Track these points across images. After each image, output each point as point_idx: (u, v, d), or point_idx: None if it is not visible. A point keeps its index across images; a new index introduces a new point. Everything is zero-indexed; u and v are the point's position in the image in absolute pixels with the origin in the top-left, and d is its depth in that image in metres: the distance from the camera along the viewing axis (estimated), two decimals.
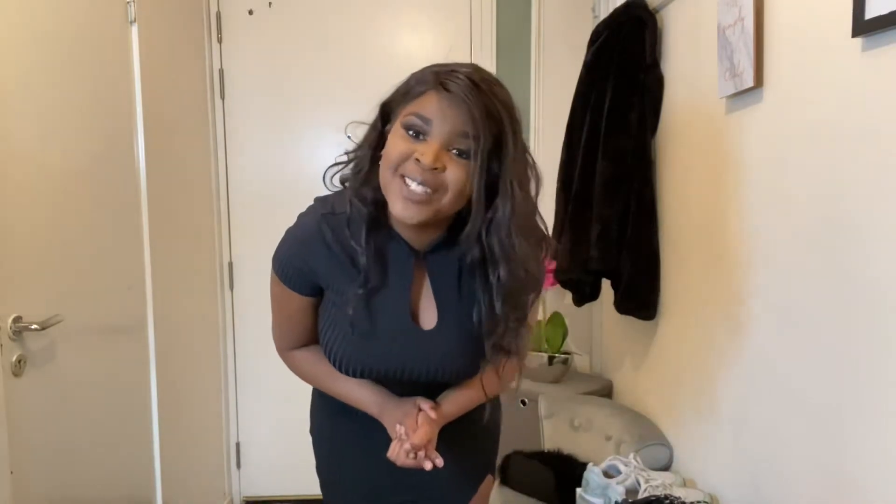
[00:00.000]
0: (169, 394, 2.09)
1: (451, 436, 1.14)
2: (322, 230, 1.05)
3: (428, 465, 1.05)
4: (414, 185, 0.95)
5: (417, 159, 0.94)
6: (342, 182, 1.09)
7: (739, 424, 1.52)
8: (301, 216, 1.10)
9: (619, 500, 1.58)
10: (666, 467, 1.83)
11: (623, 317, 2.06)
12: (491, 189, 0.97)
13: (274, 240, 1.12)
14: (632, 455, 1.69)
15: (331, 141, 2.52)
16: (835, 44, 1.12)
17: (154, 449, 2.02)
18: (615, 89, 1.94)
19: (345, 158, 1.08)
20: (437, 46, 2.55)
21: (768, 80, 1.35)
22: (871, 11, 1.00)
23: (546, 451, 1.95)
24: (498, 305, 1.02)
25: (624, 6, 1.99)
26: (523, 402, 2.23)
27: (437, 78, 0.95)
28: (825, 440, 1.19)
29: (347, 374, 1.10)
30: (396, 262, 1.07)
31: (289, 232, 1.11)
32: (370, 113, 1.05)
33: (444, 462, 1.06)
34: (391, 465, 1.07)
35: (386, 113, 1.03)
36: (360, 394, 1.15)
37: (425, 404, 1.10)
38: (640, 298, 1.96)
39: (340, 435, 1.25)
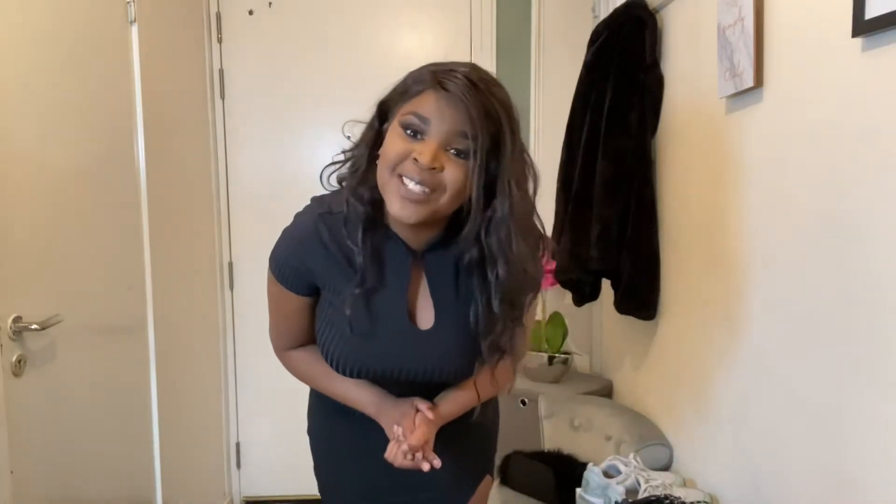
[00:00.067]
0: (169, 394, 2.09)
1: (449, 436, 1.14)
2: (319, 230, 1.05)
3: (425, 467, 1.05)
4: (412, 185, 0.95)
5: (415, 159, 0.94)
6: (339, 181, 1.08)
7: (739, 424, 1.52)
8: (298, 216, 1.10)
9: (619, 500, 1.57)
10: (666, 467, 1.83)
11: (623, 317, 2.06)
12: (489, 188, 0.97)
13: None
14: (632, 455, 1.69)
15: (331, 141, 2.52)
16: (835, 44, 1.12)
17: (154, 449, 2.02)
18: (615, 89, 1.94)
19: (342, 157, 1.08)
20: (437, 46, 2.55)
21: (768, 80, 1.35)
22: (871, 11, 1.00)
23: (546, 451, 1.95)
24: (496, 304, 1.02)
25: (624, 6, 1.98)
26: (523, 402, 2.23)
27: (435, 77, 0.95)
28: (825, 440, 1.19)
29: (344, 374, 1.09)
30: (393, 262, 1.07)
31: (285, 231, 1.10)
32: (368, 112, 1.05)
33: (442, 463, 1.06)
34: (389, 465, 1.06)
35: (383, 112, 1.03)
36: (358, 394, 1.15)
37: (423, 405, 1.10)
38: (640, 298, 1.96)
39: (338, 436, 1.25)
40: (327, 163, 1.09)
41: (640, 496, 1.56)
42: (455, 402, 1.14)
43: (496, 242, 0.99)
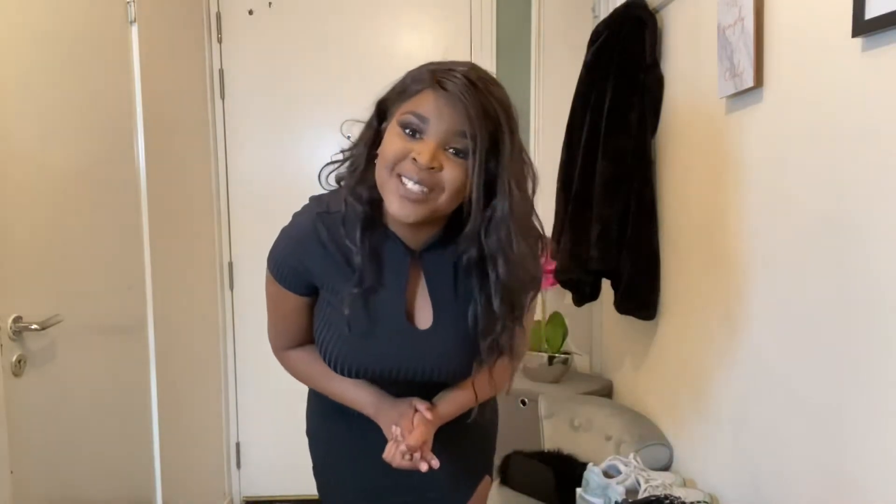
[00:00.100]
0: (169, 394, 2.09)
1: (448, 437, 1.13)
2: (317, 229, 1.05)
3: (423, 467, 1.05)
4: (410, 185, 0.95)
5: (414, 158, 0.94)
6: (338, 181, 1.08)
7: (739, 424, 1.52)
8: (296, 215, 1.10)
9: (619, 500, 1.57)
10: (666, 467, 1.83)
11: (623, 317, 2.06)
12: (488, 188, 0.97)
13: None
14: (632, 455, 1.69)
15: (331, 141, 2.49)
16: (835, 44, 1.12)
17: (154, 449, 2.02)
18: (615, 89, 1.93)
19: (340, 157, 1.08)
20: (437, 46, 2.55)
21: (768, 80, 1.35)
22: (871, 11, 1.00)
23: (546, 451, 1.95)
24: (496, 303, 1.02)
25: (624, 6, 1.98)
26: (523, 402, 2.23)
27: (434, 76, 0.95)
28: (825, 440, 1.19)
29: (343, 374, 1.09)
30: (392, 262, 1.07)
31: (284, 231, 1.10)
32: (367, 111, 1.05)
33: (441, 463, 1.06)
34: (387, 466, 1.06)
35: (382, 111, 1.03)
36: (356, 394, 1.14)
37: (421, 405, 1.10)
38: (640, 298, 1.96)
39: (336, 436, 1.25)
40: (326, 162, 1.09)
41: (640, 496, 1.56)
42: (453, 402, 1.14)
43: (496, 242, 0.99)
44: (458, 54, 2.50)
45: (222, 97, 2.57)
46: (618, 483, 1.61)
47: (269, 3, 2.54)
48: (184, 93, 2.35)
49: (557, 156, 2.16)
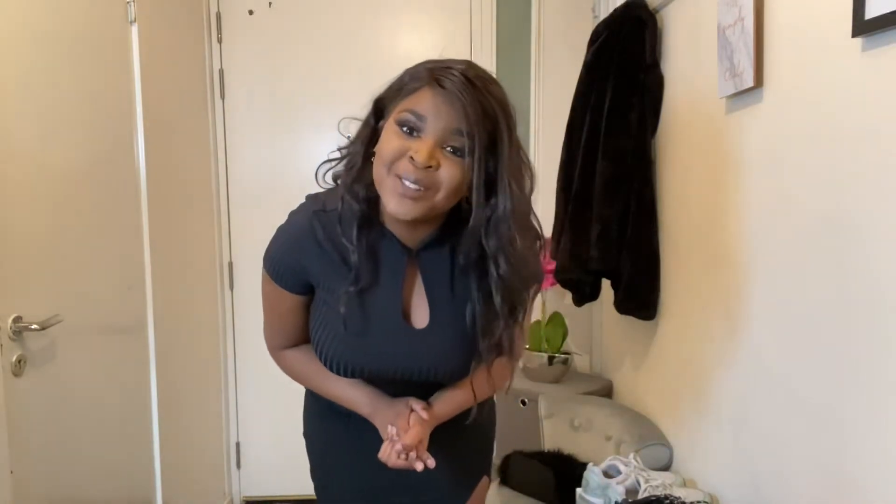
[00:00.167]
0: (169, 394, 2.09)
1: (445, 437, 1.13)
2: (314, 228, 1.05)
3: (419, 466, 1.04)
4: (407, 183, 0.94)
5: (412, 157, 0.93)
6: (334, 179, 1.08)
7: (739, 424, 1.52)
8: (292, 214, 1.10)
9: (619, 500, 1.57)
10: (666, 467, 1.83)
11: (623, 317, 2.06)
12: (487, 186, 0.96)
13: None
14: (632, 455, 1.69)
15: (331, 141, 2.47)
16: (835, 44, 1.12)
17: (154, 449, 2.03)
18: (615, 89, 1.93)
19: (337, 155, 1.07)
20: (437, 46, 2.52)
21: (768, 80, 1.35)
22: (871, 11, 1.00)
23: (546, 451, 1.95)
24: (497, 301, 1.01)
25: (624, 6, 1.98)
26: (523, 402, 2.23)
27: (432, 74, 0.94)
28: (825, 440, 1.19)
29: (339, 373, 1.09)
30: (388, 260, 1.07)
31: (280, 230, 1.10)
32: (365, 109, 1.04)
33: (438, 463, 1.05)
34: (384, 466, 1.06)
35: (379, 109, 1.02)
36: (352, 394, 1.14)
37: (417, 405, 1.09)
38: (640, 298, 1.95)
39: (332, 437, 1.25)
40: (323, 160, 1.09)
41: (640, 496, 1.56)
42: (450, 401, 1.13)
43: (497, 240, 0.98)
44: (459, 54, 2.47)
45: (222, 97, 2.57)
46: (618, 483, 1.61)
47: (270, 3, 2.54)
48: (184, 93, 2.35)
49: (557, 156, 2.16)
